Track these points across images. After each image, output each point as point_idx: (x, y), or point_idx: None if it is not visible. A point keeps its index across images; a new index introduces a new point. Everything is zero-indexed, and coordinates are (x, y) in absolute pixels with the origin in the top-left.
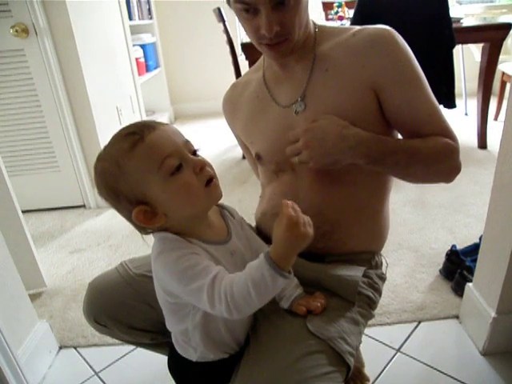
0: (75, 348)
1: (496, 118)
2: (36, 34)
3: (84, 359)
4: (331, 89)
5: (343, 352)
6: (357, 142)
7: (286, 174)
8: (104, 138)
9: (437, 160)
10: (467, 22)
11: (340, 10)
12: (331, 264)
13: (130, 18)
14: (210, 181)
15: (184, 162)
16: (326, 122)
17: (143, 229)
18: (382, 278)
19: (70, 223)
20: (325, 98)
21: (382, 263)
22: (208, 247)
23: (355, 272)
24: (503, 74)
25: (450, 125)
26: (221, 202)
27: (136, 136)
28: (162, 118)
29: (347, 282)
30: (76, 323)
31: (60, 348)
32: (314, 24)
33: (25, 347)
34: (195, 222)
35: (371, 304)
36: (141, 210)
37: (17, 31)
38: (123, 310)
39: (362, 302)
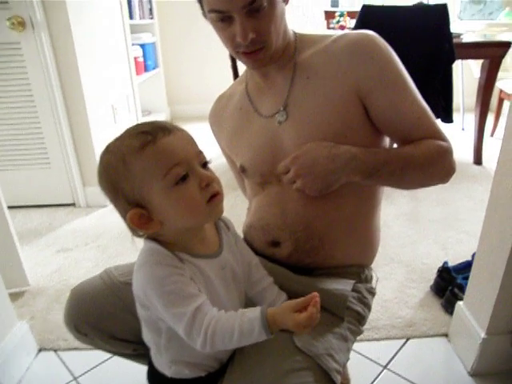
0: (55, 351)
1: (492, 135)
2: (33, 27)
3: (63, 363)
4: (313, 97)
5: (330, 370)
6: (348, 159)
7: (272, 186)
8: (97, 136)
9: (431, 164)
10: (467, 38)
11: (342, 19)
12: (319, 277)
13: (131, 17)
14: (214, 196)
15: (191, 173)
16: (313, 146)
17: (135, 231)
18: (372, 293)
19: (58, 221)
20: (307, 107)
21: (371, 277)
22: (197, 261)
23: (344, 286)
24: (501, 91)
25: (440, 125)
26: None
27: (149, 136)
28: (159, 118)
29: (336, 296)
30: (58, 325)
31: (39, 350)
32: (295, 33)
33: (1, 348)
34: (189, 235)
35: (360, 319)
36: (137, 213)
37: (13, 24)
38: (106, 319)
39: (351, 318)
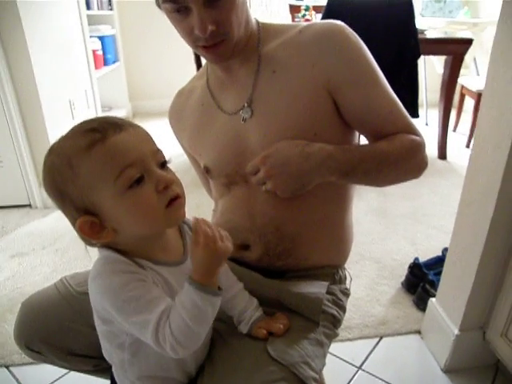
0: (7, 367)
1: (455, 130)
2: None
3: (17, 380)
4: (280, 92)
5: (307, 378)
6: (322, 158)
7: (239, 187)
8: (54, 133)
9: (406, 159)
10: (430, 35)
11: (307, 13)
12: (292, 280)
13: (88, 8)
14: (173, 200)
15: (147, 175)
16: (284, 145)
17: (87, 240)
18: (346, 294)
19: (12, 224)
20: (273, 103)
21: (345, 277)
22: (159, 269)
23: (318, 289)
24: (462, 87)
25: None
26: None
27: (97, 134)
28: (120, 114)
29: (310, 300)
30: (11, 338)
31: None
32: (258, 22)
33: None
34: (148, 243)
35: (335, 323)
36: (87, 221)
37: None
38: (61, 333)
39: (326, 322)
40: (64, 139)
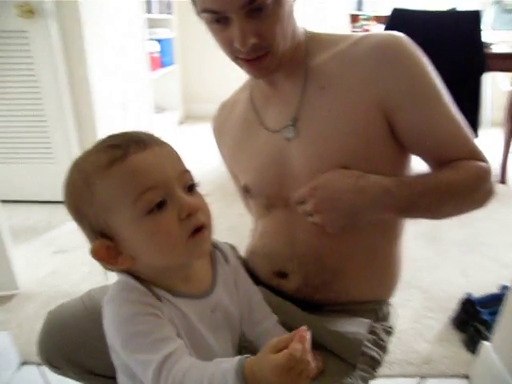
0: (38, 365)
1: None
2: (41, 15)
3: (46, 379)
4: (328, 111)
5: None
6: (378, 194)
7: (279, 210)
8: (104, 132)
9: (472, 190)
10: (498, 49)
11: (366, 23)
12: (330, 315)
13: (149, 11)
14: (198, 230)
15: (169, 200)
16: (335, 176)
17: (104, 264)
18: (390, 332)
19: (58, 220)
20: (320, 123)
21: (390, 314)
22: (178, 302)
23: (358, 328)
24: None
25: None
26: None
27: (118, 152)
28: (172, 116)
29: (349, 340)
30: None
31: (22, 364)
32: (306, 31)
33: None
34: (169, 273)
35: (375, 365)
36: (103, 245)
37: (21, 11)
38: (83, 351)
39: (364, 364)
40: (87, 154)
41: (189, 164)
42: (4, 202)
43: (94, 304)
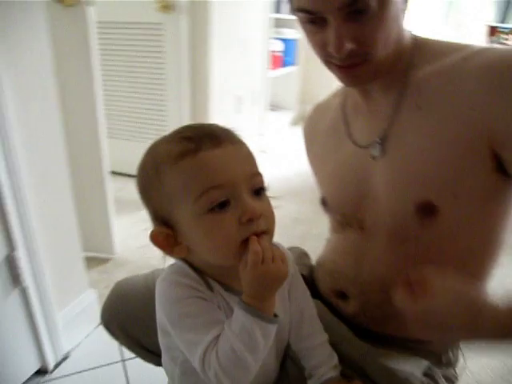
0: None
1: None
2: (176, 11)
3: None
4: (422, 136)
5: None
6: (490, 334)
7: (352, 231)
8: (214, 121)
9: None
10: None
11: (505, 37)
12: (385, 348)
13: (278, 11)
14: (258, 236)
15: (233, 201)
16: (454, 298)
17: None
18: (452, 381)
19: None
20: (410, 148)
21: (456, 360)
22: (228, 297)
23: (413, 368)
24: None
25: None
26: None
27: (190, 145)
28: (285, 115)
29: (399, 380)
30: None
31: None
32: (414, 37)
33: (66, 311)
34: (221, 268)
35: None
36: (162, 233)
37: (160, 6)
38: (139, 326)
39: None
40: (163, 141)
41: (293, 167)
42: (118, 174)
43: (154, 281)
